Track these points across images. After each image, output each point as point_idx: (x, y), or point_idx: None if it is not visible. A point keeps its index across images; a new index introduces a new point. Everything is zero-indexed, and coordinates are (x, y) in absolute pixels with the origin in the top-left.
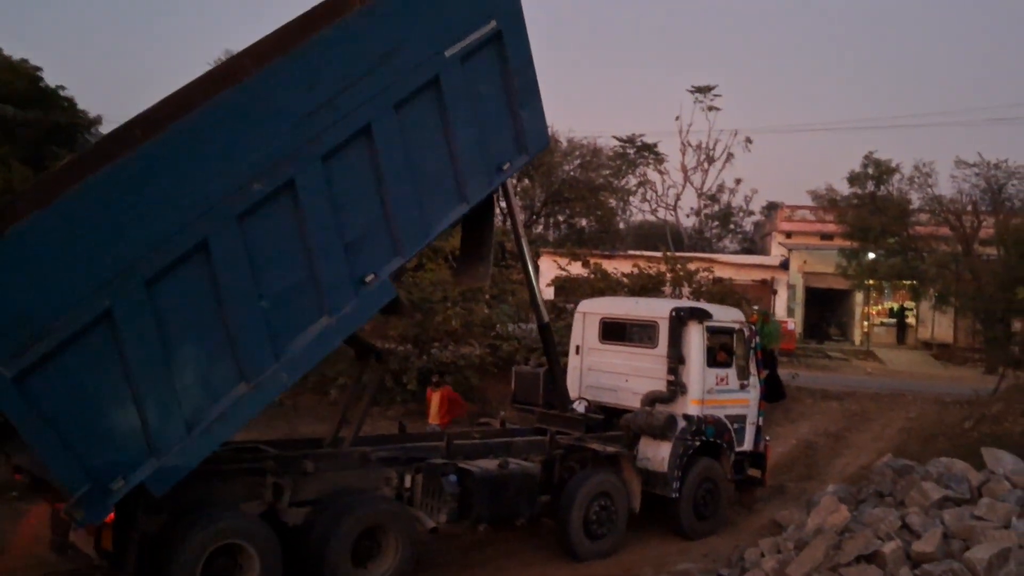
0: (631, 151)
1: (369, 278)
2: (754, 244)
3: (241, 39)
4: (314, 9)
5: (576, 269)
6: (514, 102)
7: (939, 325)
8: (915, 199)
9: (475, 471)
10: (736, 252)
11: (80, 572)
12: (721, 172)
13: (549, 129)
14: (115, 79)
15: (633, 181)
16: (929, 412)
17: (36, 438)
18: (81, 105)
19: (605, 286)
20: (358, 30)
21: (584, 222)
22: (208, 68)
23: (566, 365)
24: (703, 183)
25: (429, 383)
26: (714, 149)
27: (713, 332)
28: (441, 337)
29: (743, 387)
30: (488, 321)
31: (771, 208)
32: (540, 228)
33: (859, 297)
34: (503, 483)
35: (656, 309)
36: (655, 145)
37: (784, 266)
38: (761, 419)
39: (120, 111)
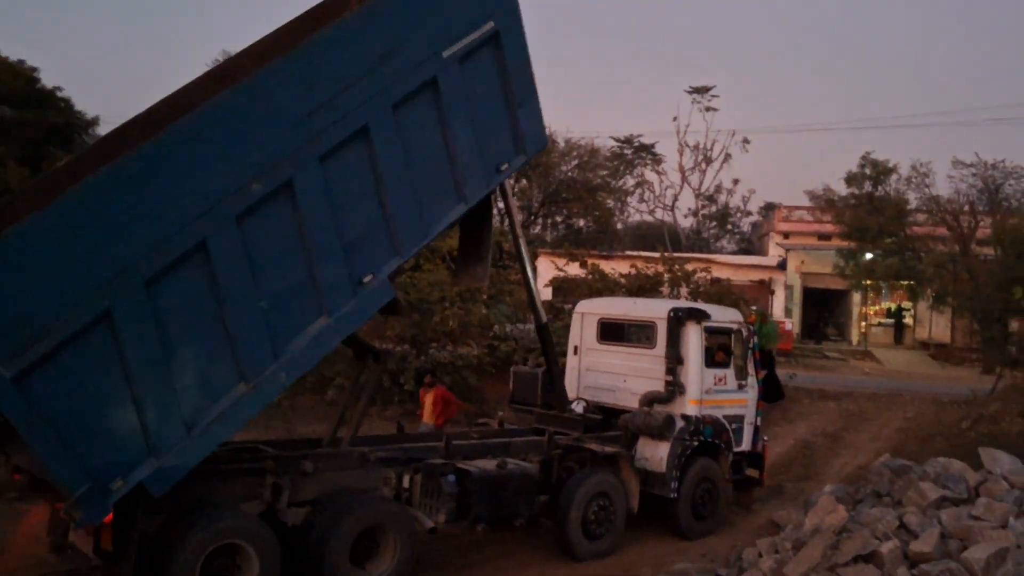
0: (629, 152)
1: (368, 278)
2: (752, 244)
3: (240, 39)
4: (313, 9)
5: (574, 269)
6: (512, 102)
7: (936, 325)
8: (912, 199)
9: (474, 471)
10: (734, 252)
11: (79, 572)
12: (719, 172)
13: (547, 129)
14: (113, 79)
15: (631, 182)
16: (927, 412)
17: (36, 438)
18: (78, 106)
19: (603, 286)
20: (357, 30)
21: (582, 222)
22: (206, 68)
23: (564, 365)
24: (701, 183)
25: (422, 384)
26: (712, 149)
27: (711, 332)
28: (439, 337)
29: (741, 387)
30: (486, 321)
31: (768, 208)
32: (538, 228)
33: (856, 297)
34: (501, 483)
35: (654, 309)
36: (653, 146)
37: (782, 266)
38: (759, 419)
39: (118, 111)
